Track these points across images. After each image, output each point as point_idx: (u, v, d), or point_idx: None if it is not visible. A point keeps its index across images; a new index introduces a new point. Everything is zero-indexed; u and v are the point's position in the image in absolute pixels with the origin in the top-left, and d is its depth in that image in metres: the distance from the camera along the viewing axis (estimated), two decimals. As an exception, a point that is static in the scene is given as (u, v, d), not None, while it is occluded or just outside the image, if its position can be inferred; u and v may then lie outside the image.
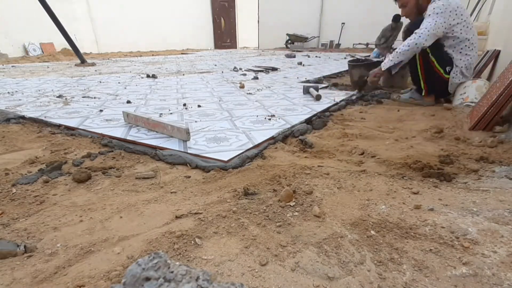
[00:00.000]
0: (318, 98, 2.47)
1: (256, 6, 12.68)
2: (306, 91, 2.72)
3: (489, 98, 1.61)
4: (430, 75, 2.25)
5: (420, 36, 2.07)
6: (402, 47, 2.17)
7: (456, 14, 2.04)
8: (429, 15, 2.08)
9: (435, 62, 2.20)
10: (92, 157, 1.36)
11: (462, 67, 2.17)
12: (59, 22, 5.22)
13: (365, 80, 2.70)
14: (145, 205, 0.99)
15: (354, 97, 2.61)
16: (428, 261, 0.70)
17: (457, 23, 2.06)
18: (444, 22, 2.05)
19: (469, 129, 1.62)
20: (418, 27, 2.15)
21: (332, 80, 3.74)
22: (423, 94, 2.33)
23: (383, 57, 3.49)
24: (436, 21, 2.04)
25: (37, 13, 6.59)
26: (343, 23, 10.74)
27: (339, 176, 1.15)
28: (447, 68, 2.20)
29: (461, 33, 2.09)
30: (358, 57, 4.20)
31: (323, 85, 3.15)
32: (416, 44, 2.10)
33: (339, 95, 2.68)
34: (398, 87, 3.02)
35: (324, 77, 3.92)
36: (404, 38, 2.32)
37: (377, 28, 7.02)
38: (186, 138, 1.51)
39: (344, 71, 4.44)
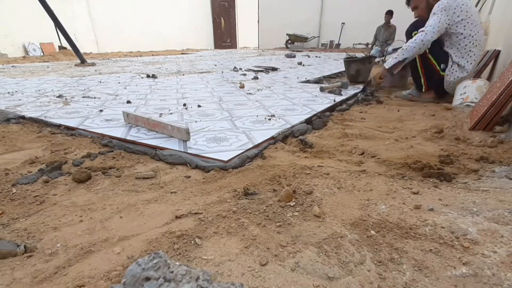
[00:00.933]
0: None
1: (256, 6, 12.68)
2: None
3: (489, 98, 1.61)
4: (428, 70, 2.37)
5: (426, 34, 2.14)
6: (409, 43, 2.22)
7: (461, 11, 2.10)
8: (434, 13, 2.15)
9: (432, 59, 2.31)
10: (92, 157, 1.36)
11: (461, 63, 2.22)
12: (59, 22, 5.22)
13: (359, 73, 3.23)
14: (145, 205, 0.99)
15: (356, 97, 2.62)
16: (428, 261, 0.70)
17: (462, 19, 2.12)
18: (448, 18, 2.12)
19: (469, 129, 1.62)
20: (417, 28, 2.25)
21: (332, 80, 3.74)
22: (423, 90, 2.44)
23: (383, 56, 3.55)
24: (440, 19, 2.11)
25: (37, 13, 6.60)
26: (343, 23, 10.74)
27: (339, 176, 1.15)
28: (442, 66, 2.30)
29: (464, 29, 2.14)
30: (351, 54, 4.37)
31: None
32: (422, 41, 2.16)
33: (339, 95, 2.67)
34: (398, 86, 3.08)
35: (324, 77, 3.92)
36: (407, 39, 2.41)
37: (377, 28, 7.05)
38: (186, 138, 1.51)
39: (344, 71, 4.43)
